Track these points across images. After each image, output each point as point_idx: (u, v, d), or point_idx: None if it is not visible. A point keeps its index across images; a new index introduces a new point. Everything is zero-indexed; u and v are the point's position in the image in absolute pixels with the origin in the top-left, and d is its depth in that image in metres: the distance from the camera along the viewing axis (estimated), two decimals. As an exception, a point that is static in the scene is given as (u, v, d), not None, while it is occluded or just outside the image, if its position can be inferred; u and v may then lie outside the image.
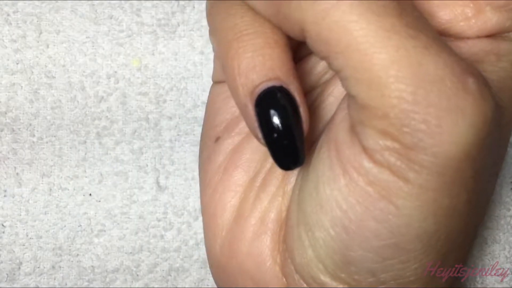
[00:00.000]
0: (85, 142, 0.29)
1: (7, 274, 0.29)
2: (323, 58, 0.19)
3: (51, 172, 0.29)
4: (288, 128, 0.20)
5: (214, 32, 0.22)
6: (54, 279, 0.29)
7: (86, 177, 0.29)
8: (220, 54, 0.21)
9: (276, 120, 0.20)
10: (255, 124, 0.21)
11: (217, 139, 0.24)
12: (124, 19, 0.30)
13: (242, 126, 0.24)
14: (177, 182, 0.30)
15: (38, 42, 0.29)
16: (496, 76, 0.21)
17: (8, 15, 0.29)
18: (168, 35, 0.30)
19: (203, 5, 0.30)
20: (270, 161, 0.23)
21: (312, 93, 0.24)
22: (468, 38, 0.21)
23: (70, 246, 0.29)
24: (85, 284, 0.29)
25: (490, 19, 0.21)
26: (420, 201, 0.18)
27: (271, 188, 0.23)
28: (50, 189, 0.29)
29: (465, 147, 0.18)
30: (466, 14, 0.21)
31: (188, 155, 0.30)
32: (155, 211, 0.30)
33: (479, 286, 0.30)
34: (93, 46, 0.29)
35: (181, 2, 0.30)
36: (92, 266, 0.29)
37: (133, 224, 0.30)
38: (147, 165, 0.30)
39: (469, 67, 0.18)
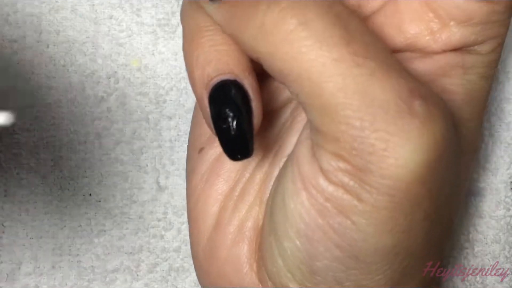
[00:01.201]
0: (85, 142, 0.29)
1: (7, 274, 0.29)
2: (280, 83, 0.20)
3: (51, 172, 0.29)
4: (237, 121, 0.21)
5: (182, 30, 0.23)
6: (54, 279, 0.29)
7: (86, 177, 0.29)
8: (183, 48, 0.23)
9: (225, 112, 0.21)
10: (208, 115, 0.22)
11: (201, 150, 0.25)
12: (124, 19, 0.30)
13: None
14: (177, 182, 0.30)
15: (38, 42, 0.29)
16: (462, 89, 0.22)
17: (8, 15, 0.29)
18: (168, 35, 0.30)
19: (203, 5, 0.30)
20: (249, 171, 0.24)
21: (290, 104, 0.25)
22: (434, 52, 0.22)
23: (70, 246, 0.29)
24: (85, 284, 0.29)
25: (455, 33, 0.22)
26: (374, 219, 0.19)
27: (249, 198, 0.24)
28: (50, 189, 0.29)
29: (413, 170, 0.18)
30: (432, 28, 0.22)
31: (188, 155, 0.30)
32: (155, 211, 0.30)
33: (479, 286, 0.30)
34: (93, 46, 0.29)
35: (181, 2, 0.30)
36: (92, 266, 0.30)
37: (133, 224, 0.30)
38: (147, 165, 0.30)
39: (417, 89, 0.19)
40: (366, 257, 0.19)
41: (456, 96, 0.22)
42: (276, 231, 0.21)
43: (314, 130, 0.20)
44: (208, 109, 0.22)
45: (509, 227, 0.31)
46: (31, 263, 0.29)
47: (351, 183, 0.19)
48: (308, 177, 0.20)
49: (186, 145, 0.30)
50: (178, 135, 0.30)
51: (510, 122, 0.31)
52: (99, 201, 0.30)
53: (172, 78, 0.30)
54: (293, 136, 0.24)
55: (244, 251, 0.23)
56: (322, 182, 0.19)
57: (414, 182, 0.18)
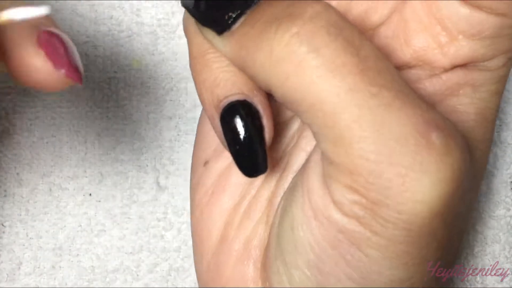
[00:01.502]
0: (85, 142, 0.29)
1: (7, 274, 0.29)
2: (293, 112, 0.20)
3: (51, 172, 0.29)
4: (249, 140, 0.21)
5: (188, 45, 0.23)
6: (54, 279, 0.29)
7: (86, 177, 0.29)
8: (190, 64, 0.22)
9: (237, 132, 0.21)
10: (221, 135, 0.21)
11: (206, 162, 0.25)
12: (124, 19, 0.30)
13: None
14: (177, 182, 0.30)
15: (38, 42, 0.29)
16: (473, 109, 0.21)
17: (8, 15, 0.29)
18: (168, 35, 0.30)
19: (203, 5, 0.30)
20: (255, 186, 0.24)
21: (297, 119, 0.24)
22: (442, 67, 0.21)
23: (70, 246, 0.29)
24: (85, 284, 0.29)
25: (463, 46, 0.21)
26: (390, 252, 0.19)
27: (256, 214, 0.23)
28: (50, 189, 0.29)
29: (431, 205, 0.18)
30: (440, 41, 0.21)
31: (188, 155, 0.30)
32: (155, 211, 0.30)
33: (479, 286, 0.30)
34: (93, 46, 0.29)
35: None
36: (92, 266, 0.29)
37: (133, 224, 0.30)
38: (147, 165, 0.30)
39: (434, 120, 0.18)
40: None
41: (467, 117, 0.21)
42: (284, 257, 0.21)
43: (326, 160, 0.19)
44: (220, 129, 0.22)
45: (509, 227, 0.31)
46: (31, 263, 0.29)
47: (366, 216, 0.18)
48: (319, 208, 0.20)
49: (186, 145, 0.30)
50: (178, 135, 0.30)
51: (510, 122, 0.31)
52: (99, 201, 0.30)
53: (172, 78, 0.30)
54: (300, 152, 0.23)
55: (249, 270, 0.23)
56: (335, 215, 0.19)
57: (431, 216, 0.18)
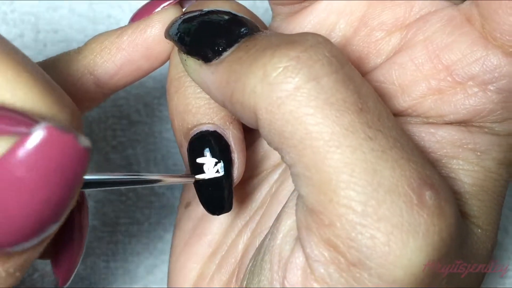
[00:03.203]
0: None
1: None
2: (275, 149, 0.18)
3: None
4: (214, 177, 0.20)
5: (169, 65, 0.22)
6: (53, 280, 0.29)
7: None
8: (166, 89, 0.22)
9: (203, 165, 0.20)
10: (188, 165, 0.21)
11: (187, 204, 0.24)
12: (122, 18, 0.30)
13: None
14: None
15: (35, 41, 0.29)
16: (471, 179, 0.19)
17: (6, 14, 0.29)
18: (167, 35, 0.30)
19: (202, 4, 0.30)
20: (231, 236, 0.23)
21: (279, 168, 0.23)
22: (442, 120, 0.20)
23: (68, 248, 0.29)
24: (85, 285, 0.29)
25: (470, 96, 0.19)
26: None
27: (228, 268, 0.23)
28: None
29: (414, 272, 0.16)
30: (442, 88, 0.19)
31: (188, 155, 0.30)
32: (154, 212, 0.30)
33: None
34: (91, 46, 0.29)
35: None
36: (92, 267, 0.29)
37: (133, 225, 0.30)
38: (147, 166, 0.30)
39: (430, 177, 0.17)
40: None
41: (460, 185, 0.19)
42: None
43: (306, 209, 0.17)
44: (187, 159, 0.21)
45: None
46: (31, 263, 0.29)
47: (341, 280, 0.17)
48: (287, 271, 0.18)
49: (185, 145, 0.30)
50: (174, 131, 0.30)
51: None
52: (98, 202, 0.29)
53: (171, 78, 0.30)
54: (276, 206, 0.22)
55: None
56: (305, 280, 0.17)
57: (412, 283, 0.16)
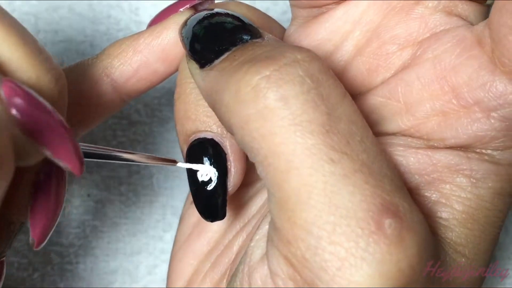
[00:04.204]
0: (84, 143, 0.29)
1: (8, 274, 0.29)
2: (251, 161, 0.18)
3: (49, 173, 0.29)
4: (209, 182, 0.20)
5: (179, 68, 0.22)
6: (54, 280, 0.29)
7: (85, 178, 0.29)
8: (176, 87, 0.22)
9: (198, 174, 0.20)
10: (188, 172, 0.21)
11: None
12: (123, 18, 0.30)
13: None
14: (176, 182, 0.30)
15: (35, 41, 0.29)
16: (462, 206, 0.19)
17: (5, 14, 0.29)
18: (167, 35, 0.29)
19: (202, 4, 0.30)
20: (228, 236, 0.23)
21: None
22: (442, 143, 0.19)
23: (69, 248, 0.29)
24: (85, 285, 0.29)
25: (474, 121, 0.18)
26: None
27: (220, 268, 0.23)
28: (48, 190, 0.29)
29: None
30: (446, 111, 0.19)
31: (188, 155, 0.30)
32: (154, 212, 0.30)
33: (479, 286, 0.31)
34: (91, 46, 0.29)
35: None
36: (91, 268, 0.29)
37: (132, 225, 0.30)
38: (146, 166, 0.30)
39: (394, 204, 0.16)
40: None
41: (449, 211, 0.19)
42: None
43: (272, 224, 0.17)
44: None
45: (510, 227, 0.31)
46: (28, 264, 0.29)
47: None
48: (251, 278, 0.18)
49: (185, 146, 0.30)
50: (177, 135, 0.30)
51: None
52: (98, 202, 0.29)
53: (171, 78, 0.30)
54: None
55: None
56: None
57: None
